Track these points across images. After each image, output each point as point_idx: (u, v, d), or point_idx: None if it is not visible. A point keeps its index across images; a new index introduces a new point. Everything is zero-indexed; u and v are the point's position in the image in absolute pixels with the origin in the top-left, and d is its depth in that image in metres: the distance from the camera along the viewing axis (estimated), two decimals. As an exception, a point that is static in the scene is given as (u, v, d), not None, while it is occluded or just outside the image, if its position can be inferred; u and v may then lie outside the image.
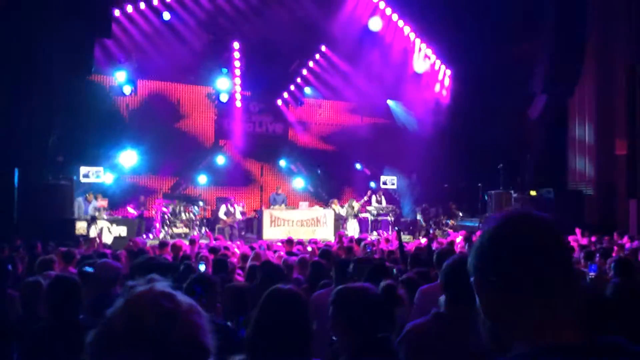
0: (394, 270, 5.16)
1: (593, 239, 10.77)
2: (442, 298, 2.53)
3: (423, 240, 11.94)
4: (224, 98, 17.78)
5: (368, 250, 8.77)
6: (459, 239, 11.95)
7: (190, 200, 15.79)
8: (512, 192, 15.47)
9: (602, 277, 5.12)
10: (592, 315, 2.27)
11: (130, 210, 15.17)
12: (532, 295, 1.08)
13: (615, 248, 9.43)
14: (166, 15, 16.15)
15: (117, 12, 15.33)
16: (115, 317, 1.07)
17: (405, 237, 14.77)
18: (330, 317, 2.40)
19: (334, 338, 2.54)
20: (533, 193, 15.59)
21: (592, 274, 5.36)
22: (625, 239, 10.72)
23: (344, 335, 2.39)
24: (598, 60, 15.92)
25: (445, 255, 4.22)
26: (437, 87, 19.76)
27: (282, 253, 8.44)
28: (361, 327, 2.35)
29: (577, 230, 11.61)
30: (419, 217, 17.90)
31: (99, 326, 1.07)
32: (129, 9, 15.88)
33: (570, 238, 10.60)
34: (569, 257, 1.16)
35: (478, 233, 1.20)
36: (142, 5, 16.01)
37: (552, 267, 1.10)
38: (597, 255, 7.55)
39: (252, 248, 9.30)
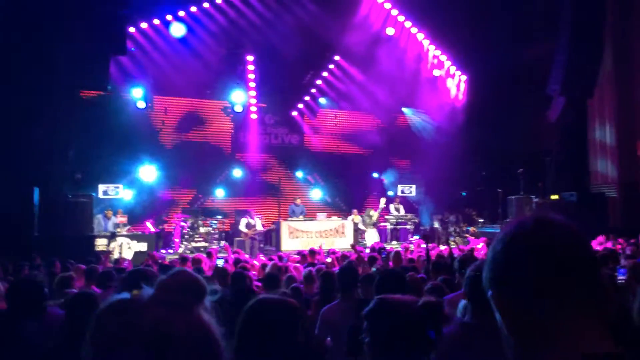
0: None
1: (620, 241, 10.51)
2: (462, 304, 2.43)
3: (443, 248, 11.78)
4: (238, 109, 17.84)
5: (383, 255, 8.67)
6: (480, 246, 11.77)
7: (209, 214, 15.80)
8: (533, 197, 15.22)
9: (631, 281, 4.95)
10: (621, 325, 2.15)
11: (149, 226, 15.23)
12: (561, 307, 0.99)
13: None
14: (180, 31, 16.26)
15: (132, 29, 15.48)
16: (154, 291, 1.09)
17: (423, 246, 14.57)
18: (368, 333, 2.07)
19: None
20: (555, 197, 15.34)
21: (621, 278, 5.19)
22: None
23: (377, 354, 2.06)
24: (616, 60, 15.69)
25: (468, 262, 4.12)
26: (453, 92, 19.62)
27: (298, 265, 8.35)
28: (395, 348, 2.02)
29: (600, 238, 11.29)
30: (436, 224, 17.71)
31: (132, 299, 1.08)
32: (144, 25, 16.03)
33: (594, 242, 10.37)
34: (596, 264, 1.06)
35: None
36: (157, 22, 16.16)
37: (579, 275, 1.01)
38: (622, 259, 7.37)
39: (271, 259, 9.24)
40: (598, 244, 10.38)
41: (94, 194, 14.09)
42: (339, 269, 4.93)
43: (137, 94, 16.10)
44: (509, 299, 1.03)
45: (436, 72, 19.32)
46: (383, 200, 16.98)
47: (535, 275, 1.00)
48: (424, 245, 10.75)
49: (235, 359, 1.95)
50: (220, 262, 8.63)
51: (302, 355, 2.08)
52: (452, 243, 15.64)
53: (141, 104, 16.20)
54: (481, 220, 17.07)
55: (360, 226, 16.47)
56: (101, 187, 15.14)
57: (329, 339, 3.44)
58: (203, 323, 1.06)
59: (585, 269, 1.02)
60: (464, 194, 18.37)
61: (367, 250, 11.35)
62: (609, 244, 10.38)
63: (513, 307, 1.03)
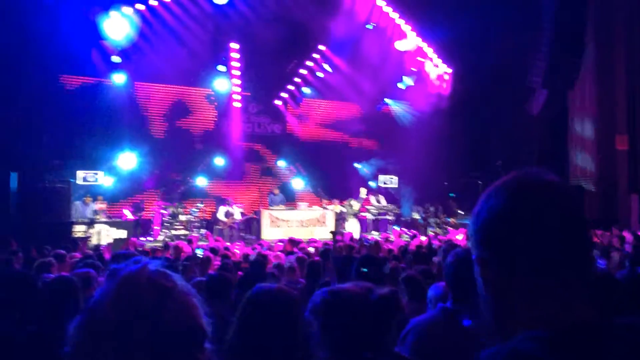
0: (388, 266, 5.02)
1: (599, 232, 10.69)
2: (433, 290, 2.42)
3: (423, 238, 11.86)
4: (222, 94, 17.68)
5: (365, 243, 8.71)
6: (460, 237, 11.88)
7: (188, 201, 15.68)
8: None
9: (609, 271, 5.03)
10: (607, 297, 2.18)
11: (127, 213, 15.08)
12: (548, 274, 0.96)
13: (615, 240, 9.39)
14: (163, 17, 16.03)
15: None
16: (106, 298, 1.01)
17: (405, 237, 14.68)
18: (318, 330, 1.88)
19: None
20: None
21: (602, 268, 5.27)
22: (625, 233, 10.69)
23: (328, 352, 1.87)
24: (598, 53, 15.86)
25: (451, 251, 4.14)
26: (438, 85, 19.68)
27: (279, 253, 8.35)
28: (346, 345, 1.84)
29: None
30: (417, 216, 17.81)
31: (84, 312, 1.01)
32: (127, 10, 15.76)
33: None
34: (589, 231, 1.03)
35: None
36: (141, 7, 15.91)
37: (571, 242, 0.98)
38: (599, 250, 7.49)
39: (254, 249, 9.23)
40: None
41: (72, 180, 13.90)
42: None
43: (118, 80, 15.87)
44: (494, 262, 1.00)
45: (420, 64, 19.34)
46: (364, 191, 17.02)
47: (536, 232, 0.96)
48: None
49: (234, 352, 1.91)
50: (199, 251, 8.59)
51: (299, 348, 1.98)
52: (432, 233, 15.79)
53: (124, 90, 15.95)
54: (461, 212, 17.20)
55: (342, 211, 16.50)
56: (80, 174, 14.93)
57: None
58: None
59: (581, 230, 1.00)
60: (451, 194, 18.45)
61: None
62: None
63: (496, 272, 1.00)
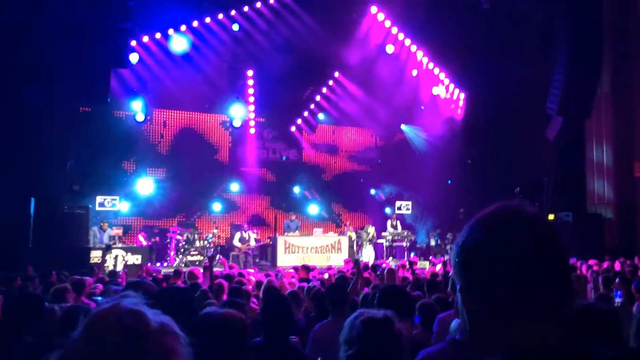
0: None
1: (617, 264, 10.44)
2: (455, 323, 2.41)
3: (438, 267, 11.74)
4: (237, 123, 17.89)
5: (378, 272, 8.62)
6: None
7: (204, 226, 15.74)
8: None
9: (628, 304, 4.92)
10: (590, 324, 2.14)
11: (141, 239, 15.17)
12: (520, 303, 1.00)
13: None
14: (182, 46, 16.30)
15: (133, 43, 15.54)
16: (76, 339, 0.94)
17: (422, 264, 14.55)
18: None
19: None
20: (551, 217, 15.32)
21: (618, 300, 5.15)
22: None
23: None
24: (614, 80, 15.78)
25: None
26: (452, 111, 19.70)
27: (294, 280, 8.29)
28: None
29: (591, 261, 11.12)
30: (432, 242, 17.68)
31: (59, 351, 0.94)
32: (145, 39, 16.11)
33: (591, 262, 10.32)
34: (565, 262, 1.06)
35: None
36: (158, 35, 16.24)
37: (545, 274, 1.01)
38: (617, 279, 7.33)
39: (267, 275, 9.19)
40: (595, 265, 10.32)
41: (90, 206, 14.06)
42: (328, 287, 4.85)
43: (136, 107, 16.13)
44: (477, 285, 1.04)
45: (435, 90, 19.40)
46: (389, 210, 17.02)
47: (509, 264, 1.01)
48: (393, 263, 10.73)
49: None
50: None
51: None
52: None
53: (140, 117, 16.22)
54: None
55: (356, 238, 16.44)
56: (98, 199, 15.12)
57: (319, 358, 3.40)
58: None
59: (556, 262, 1.03)
60: (461, 209, 18.35)
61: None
62: (606, 265, 10.34)
63: (479, 293, 1.04)
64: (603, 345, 2.06)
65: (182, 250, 15.02)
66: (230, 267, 11.25)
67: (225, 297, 6.14)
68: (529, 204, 1.11)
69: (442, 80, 19.52)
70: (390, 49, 18.38)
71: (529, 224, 1.05)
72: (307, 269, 9.43)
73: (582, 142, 16.66)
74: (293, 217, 16.63)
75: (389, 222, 17.29)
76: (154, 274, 8.66)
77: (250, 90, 18.11)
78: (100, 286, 7.10)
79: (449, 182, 18.71)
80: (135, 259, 13.57)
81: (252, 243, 15.59)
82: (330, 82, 19.44)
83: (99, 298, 5.80)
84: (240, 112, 17.80)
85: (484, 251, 1.04)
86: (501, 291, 1.01)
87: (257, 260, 15.61)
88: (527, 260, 1.01)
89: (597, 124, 16.28)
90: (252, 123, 18.45)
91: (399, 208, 18.75)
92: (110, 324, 0.93)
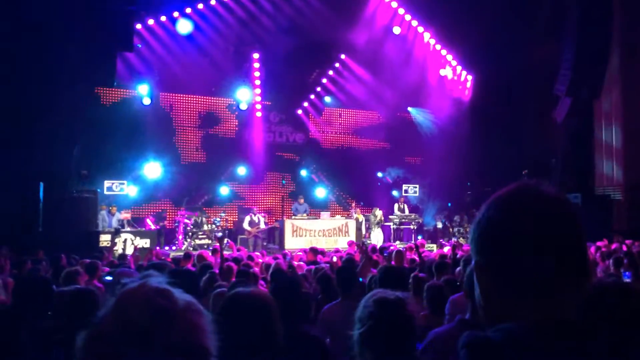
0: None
1: (628, 242, 10.38)
2: None
3: (446, 249, 11.74)
4: (243, 107, 17.86)
5: (385, 254, 8.64)
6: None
7: (212, 209, 15.79)
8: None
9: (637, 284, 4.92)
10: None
11: (149, 223, 15.25)
12: (534, 280, 1.01)
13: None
14: (187, 28, 16.22)
15: (138, 26, 15.48)
16: (106, 317, 0.97)
17: (429, 246, 14.57)
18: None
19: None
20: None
21: (627, 281, 5.14)
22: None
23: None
24: (623, 61, 15.59)
25: (470, 261, 4.09)
26: (459, 92, 19.57)
27: (303, 264, 8.32)
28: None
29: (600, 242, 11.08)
30: (439, 225, 17.68)
31: (89, 329, 0.98)
32: (150, 22, 16.04)
33: (600, 244, 10.29)
34: (581, 242, 1.06)
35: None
36: (163, 18, 16.16)
37: (561, 252, 1.01)
38: (626, 260, 7.29)
39: (275, 258, 9.22)
40: (604, 246, 10.27)
41: (99, 190, 14.13)
42: (337, 269, 4.90)
43: (142, 91, 16.12)
44: (493, 262, 1.05)
45: (442, 72, 19.27)
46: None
47: (525, 242, 1.01)
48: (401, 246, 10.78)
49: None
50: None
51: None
52: (460, 241, 15.60)
53: (146, 101, 16.21)
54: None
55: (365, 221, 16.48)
56: (106, 183, 15.19)
57: (327, 339, 3.42)
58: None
59: (572, 241, 1.04)
60: (469, 192, 18.37)
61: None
62: (614, 246, 10.29)
63: (495, 270, 1.04)
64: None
65: (190, 233, 15.10)
66: (238, 250, 11.30)
67: (233, 279, 6.18)
68: (549, 184, 1.11)
69: (450, 62, 19.38)
70: (397, 30, 18.24)
71: (547, 202, 1.06)
72: (315, 251, 9.46)
73: (590, 123, 16.51)
74: (301, 201, 16.62)
75: (396, 205, 17.29)
76: (163, 258, 8.72)
77: (257, 74, 18.04)
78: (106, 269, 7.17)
79: (468, 184, 18.68)
80: (144, 243, 13.66)
81: (262, 226, 15.65)
82: (337, 65, 19.34)
83: (109, 278, 5.85)
84: (246, 96, 17.75)
85: (502, 227, 1.05)
86: (517, 268, 1.02)
87: (265, 244, 15.67)
88: (544, 238, 1.01)
89: (606, 105, 16.13)
90: (258, 106, 18.41)
91: (406, 191, 18.72)
92: (139, 302, 0.97)
